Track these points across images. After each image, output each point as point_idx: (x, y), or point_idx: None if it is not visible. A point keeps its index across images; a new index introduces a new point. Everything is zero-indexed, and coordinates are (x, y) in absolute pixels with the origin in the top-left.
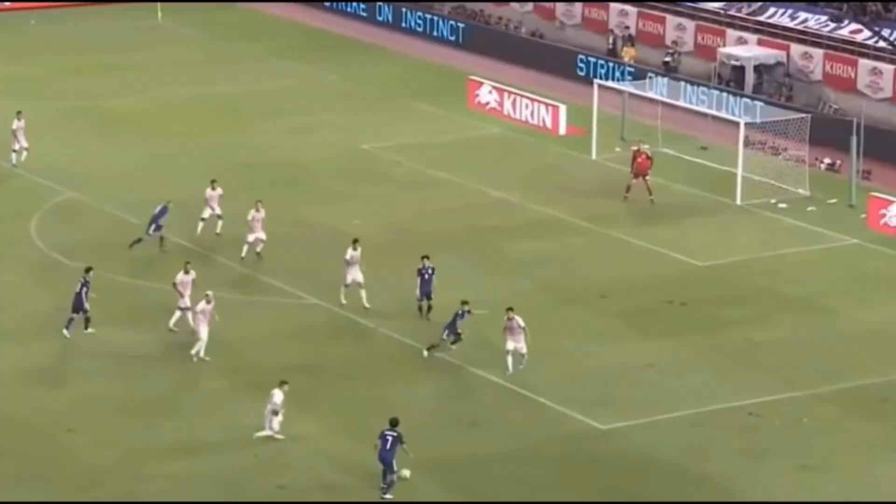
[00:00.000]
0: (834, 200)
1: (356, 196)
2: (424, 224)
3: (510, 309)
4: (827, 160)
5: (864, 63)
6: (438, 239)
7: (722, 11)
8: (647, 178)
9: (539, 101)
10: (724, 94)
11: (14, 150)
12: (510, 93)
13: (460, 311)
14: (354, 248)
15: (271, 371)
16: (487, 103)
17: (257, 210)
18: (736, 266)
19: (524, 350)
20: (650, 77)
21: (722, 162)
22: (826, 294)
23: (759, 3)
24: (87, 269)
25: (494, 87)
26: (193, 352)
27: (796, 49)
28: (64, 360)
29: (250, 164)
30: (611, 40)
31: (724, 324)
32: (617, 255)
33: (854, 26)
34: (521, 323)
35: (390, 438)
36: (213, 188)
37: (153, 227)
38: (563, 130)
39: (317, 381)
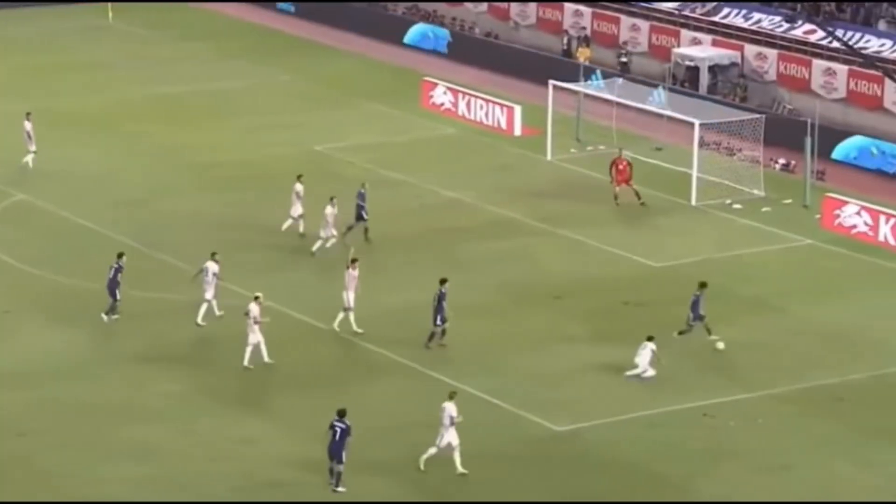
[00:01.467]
0: (788, 201)
1: (308, 196)
2: (379, 225)
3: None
4: (781, 161)
5: (818, 63)
6: (393, 240)
7: (676, 12)
8: (632, 183)
9: (494, 102)
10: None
11: (32, 152)
12: (465, 93)
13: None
14: (353, 268)
15: (224, 373)
16: (442, 104)
17: (332, 206)
18: (692, 267)
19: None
20: (594, 77)
21: (677, 163)
22: (781, 294)
23: (714, 4)
24: (120, 255)
25: (449, 88)
26: (245, 362)
27: (750, 49)
28: (15, 364)
29: (205, 163)
30: (565, 41)
31: (679, 324)
32: (573, 255)
33: (808, 27)
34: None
35: (339, 430)
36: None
37: None
38: (518, 131)
39: (273, 383)
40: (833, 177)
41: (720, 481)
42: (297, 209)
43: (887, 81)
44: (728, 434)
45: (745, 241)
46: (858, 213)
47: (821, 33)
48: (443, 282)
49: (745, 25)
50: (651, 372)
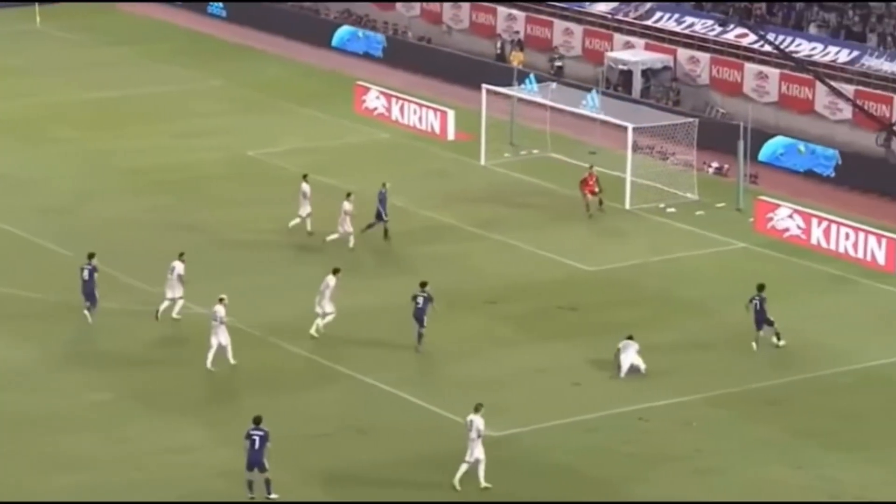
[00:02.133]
0: (722, 204)
1: (243, 202)
2: (312, 221)
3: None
4: (714, 164)
5: (750, 67)
6: (327, 245)
7: (609, 16)
8: (598, 195)
9: (427, 107)
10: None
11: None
12: (398, 98)
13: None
14: (335, 277)
15: (156, 383)
16: (375, 108)
17: (349, 202)
18: (626, 270)
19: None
20: (528, 81)
21: (611, 167)
22: (716, 297)
23: (647, 8)
24: (91, 256)
25: (382, 93)
26: (207, 364)
27: (683, 53)
28: None
29: (135, 168)
30: (499, 45)
31: (614, 328)
32: (507, 260)
33: (740, 30)
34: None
35: (257, 438)
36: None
37: None
38: (451, 136)
39: (204, 391)
40: (766, 180)
41: (655, 485)
42: (306, 208)
43: (818, 85)
44: (663, 438)
45: (680, 245)
46: (791, 217)
47: (753, 37)
48: (423, 285)
49: (678, 29)
50: (643, 365)
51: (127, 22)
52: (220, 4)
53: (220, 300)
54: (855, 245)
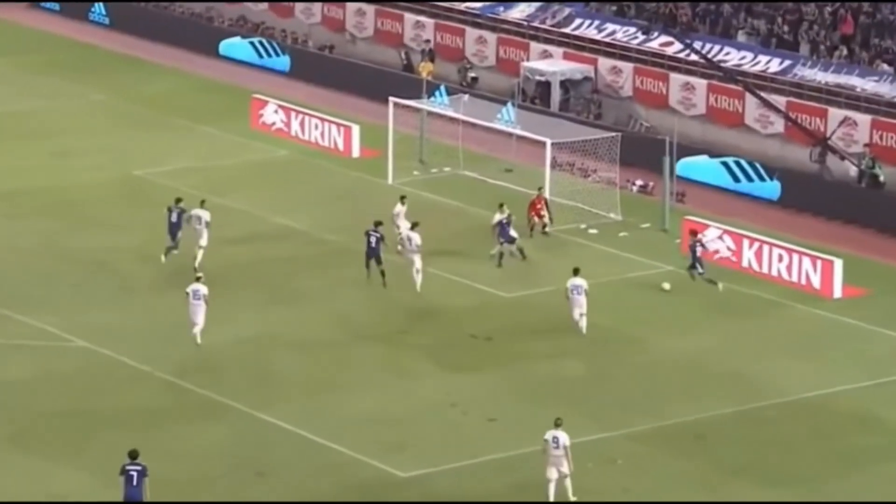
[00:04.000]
0: (647, 225)
1: (129, 226)
2: (205, 255)
3: None
4: (639, 182)
5: (676, 77)
6: (220, 271)
7: (525, 23)
8: (543, 219)
9: (330, 121)
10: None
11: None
12: (298, 112)
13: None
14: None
15: (35, 420)
16: (273, 123)
17: (402, 204)
18: (543, 296)
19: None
20: (438, 94)
21: (528, 185)
22: (638, 324)
23: (565, 14)
24: (178, 200)
25: (280, 106)
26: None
27: (604, 63)
28: None
29: (7, 191)
30: (404, 55)
31: (531, 358)
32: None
33: (664, 39)
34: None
35: (135, 474)
36: (403, 203)
37: None
38: (356, 152)
39: (87, 429)
40: (694, 199)
41: None
42: (203, 238)
43: (748, 97)
44: (588, 477)
45: (601, 269)
46: (721, 238)
47: (678, 46)
48: (377, 224)
49: (599, 37)
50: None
51: None
52: (103, 10)
53: (198, 278)
54: (789, 268)
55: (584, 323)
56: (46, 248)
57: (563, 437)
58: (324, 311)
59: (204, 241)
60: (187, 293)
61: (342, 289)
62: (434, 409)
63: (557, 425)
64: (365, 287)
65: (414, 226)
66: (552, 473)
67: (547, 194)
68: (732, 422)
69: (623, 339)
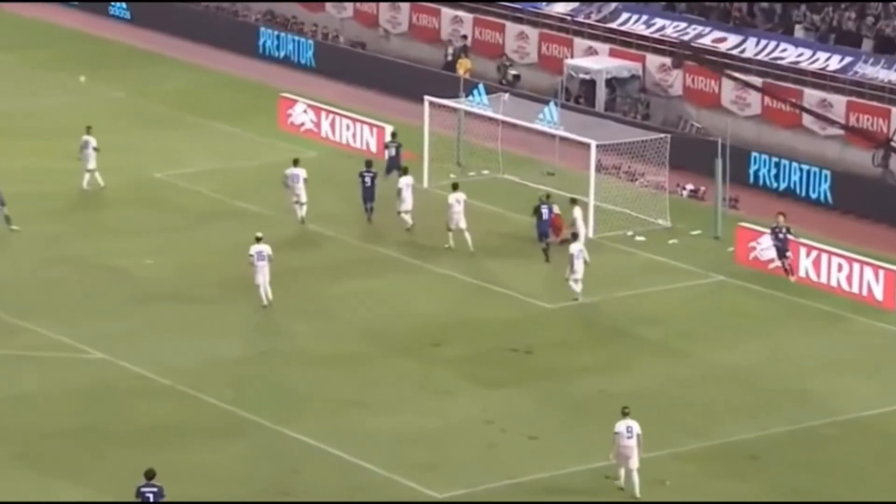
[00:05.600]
0: (697, 232)
1: (145, 231)
2: (224, 263)
3: None
4: (689, 186)
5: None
6: (244, 279)
7: (569, 18)
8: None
9: (361, 122)
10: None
11: (87, 169)
12: (328, 112)
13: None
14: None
15: (47, 438)
16: (302, 124)
17: (458, 193)
18: (588, 307)
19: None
20: (477, 93)
21: (571, 189)
22: (688, 337)
23: (611, 8)
24: (368, 163)
25: (310, 106)
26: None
27: (653, 60)
28: None
29: (20, 194)
30: (450, 52)
31: (574, 373)
32: (452, 296)
33: (717, 34)
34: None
35: (151, 495)
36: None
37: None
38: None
39: (101, 446)
40: (748, 204)
41: None
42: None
43: (806, 96)
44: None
45: (649, 278)
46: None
47: (732, 41)
48: (369, 164)
49: (647, 33)
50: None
51: (11, 24)
52: (124, 5)
53: (258, 238)
54: (849, 278)
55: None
56: (60, 254)
57: (636, 426)
58: (353, 322)
59: (304, 198)
60: (251, 255)
61: (372, 299)
62: (469, 427)
63: (626, 414)
64: (394, 295)
65: (455, 187)
66: (629, 463)
67: (592, 200)
68: (787, 442)
69: (671, 353)
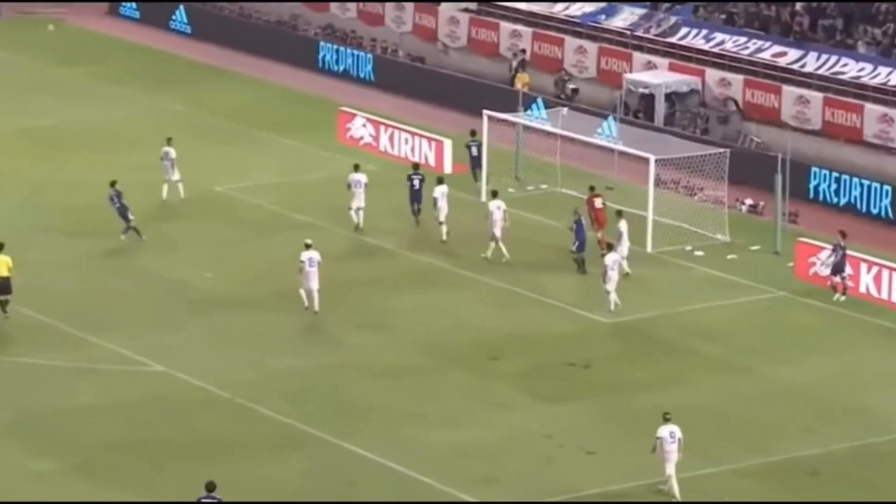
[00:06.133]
0: (757, 247)
1: (206, 243)
2: (283, 276)
3: None
4: (749, 201)
5: (790, 90)
6: (299, 292)
7: (628, 32)
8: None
9: (420, 136)
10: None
11: (170, 181)
12: (387, 126)
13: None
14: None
15: (106, 450)
16: (361, 138)
17: (498, 200)
18: (646, 322)
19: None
20: (535, 107)
21: (630, 204)
22: (748, 352)
23: (671, 23)
24: (416, 166)
25: (369, 120)
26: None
27: (712, 74)
28: None
29: (77, 206)
30: (514, 64)
31: (632, 388)
32: (509, 309)
33: (777, 48)
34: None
35: None
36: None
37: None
38: (448, 168)
39: (161, 458)
40: (808, 219)
41: None
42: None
43: (867, 111)
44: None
45: (707, 293)
46: None
47: (792, 56)
48: (416, 167)
49: (707, 47)
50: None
51: (76, 38)
52: (185, 20)
53: (308, 245)
54: None
55: None
56: (121, 266)
57: (678, 431)
58: (410, 334)
59: (363, 203)
60: (302, 261)
61: (430, 312)
62: (527, 441)
63: (667, 419)
64: (451, 308)
65: (494, 195)
66: (670, 468)
67: (650, 215)
68: (849, 458)
69: (730, 368)
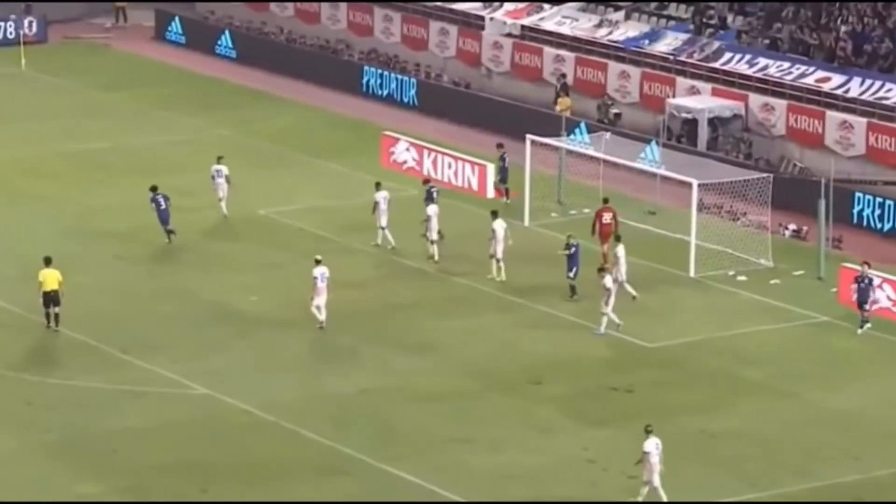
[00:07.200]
0: (800, 272)
1: (250, 266)
2: (329, 300)
3: None
4: (792, 226)
5: (833, 115)
6: (343, 316)
7: (671, 57)
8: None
9: (463, 160)
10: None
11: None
12: (430, 150)
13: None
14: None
15: (152, 473)
16: (404, 162)
17: (501, 220)
18: (689, 347)
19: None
20: (578, 131)
21: (673, 228)
22: (791, 378)
23: (714, 48)
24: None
25: (412, 144)
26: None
27: (755, 99)
28: None
29: (126, 231)
30: (559, 87)
31: (675, 413)
32: (551, 334)
33: (821, 74)
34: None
35: None
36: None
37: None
38: (490, 193)
39: (205, 481)
40: (851, 244)
41: None
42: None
43: None
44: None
45: (750, 319)
46: (881, 286)
47: (836, 81)
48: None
49: (750, 72)
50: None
51: (123, 63)
52: (230, 44)
53: (318, 261)
54: None
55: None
56: (166, 288)
57: (660, 443)
58: (453, 359)
59: (384, 223)
60: (315, 277)
61: (473, 336)
62: (571, 465)
63: (649, 432)
64: (496, 334)
65: (495, 214)
66: (657, 479)
67: (693, 239)
68: (892, 485)
69: (775, 394)
